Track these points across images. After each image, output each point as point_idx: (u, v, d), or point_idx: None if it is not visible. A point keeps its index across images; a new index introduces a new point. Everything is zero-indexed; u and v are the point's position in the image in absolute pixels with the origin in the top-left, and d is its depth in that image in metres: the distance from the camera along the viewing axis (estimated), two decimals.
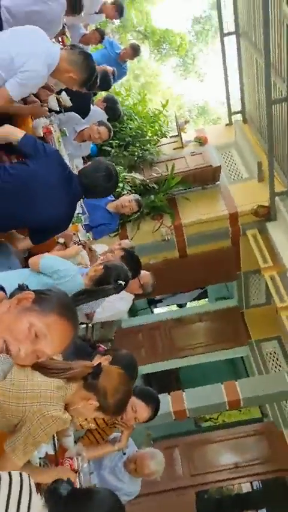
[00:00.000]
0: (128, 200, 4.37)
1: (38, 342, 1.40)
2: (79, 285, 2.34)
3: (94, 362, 1.91)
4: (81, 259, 2.83)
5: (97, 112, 4.40)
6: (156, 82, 14.92)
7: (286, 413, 6.39)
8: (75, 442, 2.19)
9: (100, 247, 4.14)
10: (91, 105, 4.34)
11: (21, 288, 1.57)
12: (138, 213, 5.24)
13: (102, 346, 2.42)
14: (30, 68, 2.52)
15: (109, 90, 5.05)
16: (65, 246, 3.26)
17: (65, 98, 3.73)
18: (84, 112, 4.14)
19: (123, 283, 2.34)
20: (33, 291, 1.52)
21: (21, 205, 2.42)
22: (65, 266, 2.38)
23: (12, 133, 2.39)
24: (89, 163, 2.64)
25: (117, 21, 10.18)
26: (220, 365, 8.88)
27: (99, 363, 1.83)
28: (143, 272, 3.34)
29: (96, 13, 5.13)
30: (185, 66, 16.06)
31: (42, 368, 1.59)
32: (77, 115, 4.02)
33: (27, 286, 1.59)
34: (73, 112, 3.98)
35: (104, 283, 2.32)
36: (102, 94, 6.45)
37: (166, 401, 4.87)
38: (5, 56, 2.49)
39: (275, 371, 7.02)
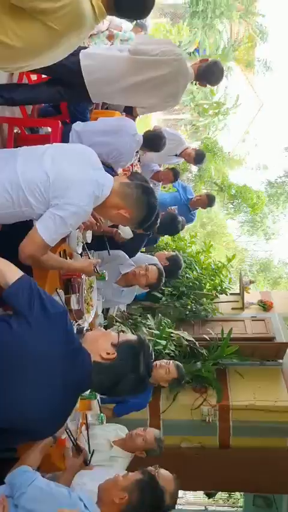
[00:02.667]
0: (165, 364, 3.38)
1: None
2: None
3: None
4: None
5: (153, 259, 3.60)
6: (222, 233, 14.88)
7: None
8: None
9: (115, 431, 3.04)
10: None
11: None
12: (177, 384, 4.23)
13: None
14: (73, 201, 1.79)
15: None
16: None
17: (124, 229, 2.99)
18: (133, 251, 3.39)
19: None
20: None
21: None
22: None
23: (3, 272, 1.54)
24: (122, 340, 1.61)
25: (194, 171, 10.36)
26: None
27: None
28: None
29: (176, 155, 4.82)
30: (254, 223, 16.14)
31: None
32: (124, 254, 3.26)
33: None
34: (121, 251, 3.24)
35: None
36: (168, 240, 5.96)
37: None
38: (39, 178, 1.79)
39: None
